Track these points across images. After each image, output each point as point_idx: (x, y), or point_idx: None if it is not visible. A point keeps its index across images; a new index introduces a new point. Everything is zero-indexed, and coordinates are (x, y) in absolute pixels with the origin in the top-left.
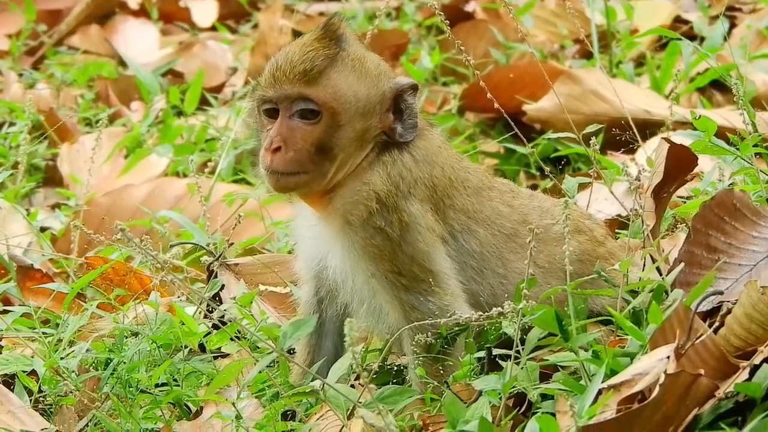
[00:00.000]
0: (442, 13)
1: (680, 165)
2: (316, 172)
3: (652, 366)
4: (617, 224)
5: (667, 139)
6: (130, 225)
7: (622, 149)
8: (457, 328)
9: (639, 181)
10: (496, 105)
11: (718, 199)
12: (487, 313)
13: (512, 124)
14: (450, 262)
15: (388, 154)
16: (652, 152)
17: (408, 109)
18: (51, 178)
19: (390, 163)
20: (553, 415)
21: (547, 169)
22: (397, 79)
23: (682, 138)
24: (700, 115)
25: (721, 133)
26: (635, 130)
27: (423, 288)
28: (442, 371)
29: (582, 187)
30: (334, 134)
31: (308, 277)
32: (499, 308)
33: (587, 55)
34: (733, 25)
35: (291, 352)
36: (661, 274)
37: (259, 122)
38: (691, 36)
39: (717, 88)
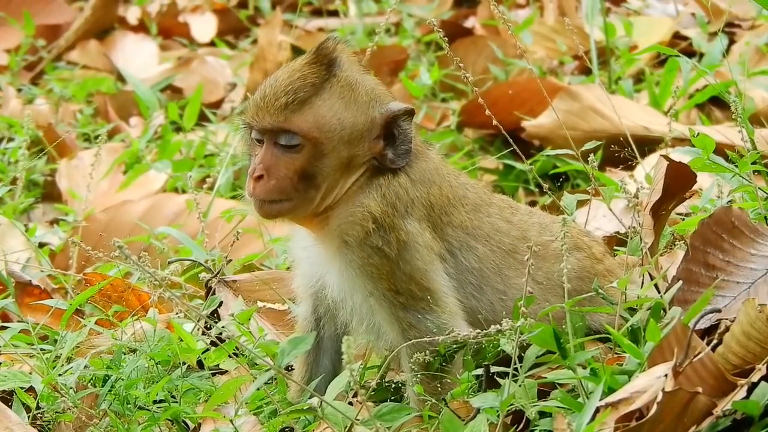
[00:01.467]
0: (440, 30)
1: (679, 182)
2: (300, 199)
3: (650, 384)
4: (615, 241)
5: (666, 157)
6: (128, 241)
7: (621, 166)
8: (455, 346)
9: (638, 198)
10: (494, 122)
11: (716, 216)
12: (485, 331)
13: (510, 140)
14: (448, 280)
15: (384, 176)
16: (650, 169)
17: (401, 134)
18: (49, 193)
19: (385, 185)
20: None
21: (545, 185)
22: (389, 105)
23: (680, 155)
24: (698, 133)
25: (720, 149)
26: (634, 147)
27: (421, 306)
28: (440, 389)
29: (581, 203)
30: (317, 163)
31: (306, 295)
32: (497, 326)
33: (586, 71)
34: (732, 42)
35: (289, 369)
36: (659, 292)
37: (248, 146)
38: (690, 52)
39: (716, 104)
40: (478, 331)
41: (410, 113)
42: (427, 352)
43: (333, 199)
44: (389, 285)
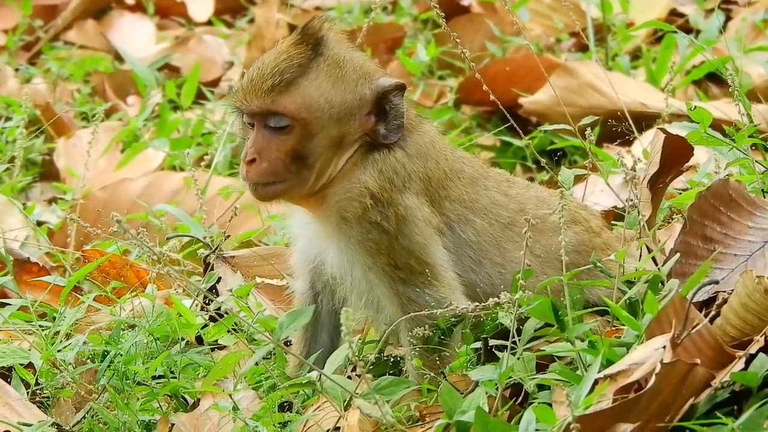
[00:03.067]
0: (437, 7)
1: (676, 155)
2: (294, 180)
3: (648, 356)
4: (613, 216)
5: (663, 130)
6: (127, 219)
7: (618, 141)
8: (453, 320)
9: (635, 171)
10: (492, 97)
11: (713, 189)
12: (483, 304)
13: (508, 116)
14: (447, 254)
15: (379, 152)
16: (648, 144)
17: (393, 109)
18: (47, 172)
19: (381, 160)
20: (550, 405)
21: (543, 160)
22: (379, 81)
23: (677, 129)
24: (695, 106)
25: (717, 125)
26: (631, 123)
27: (420, 280)
28: (438, 362)
29: (578, 179)
30: (308, 143)
31: (304, 271)
32: (496, 299)
33: (583, 48)
34: (728, 18)
35: (287, 344)
36: (656, 265)
37: (242, 130)
38: (687, 29)
39: (713, 80)
40: (477, 304)
41: (401, 88)
42: (426, 326)
43: (328, 178)
44: (388, 260)
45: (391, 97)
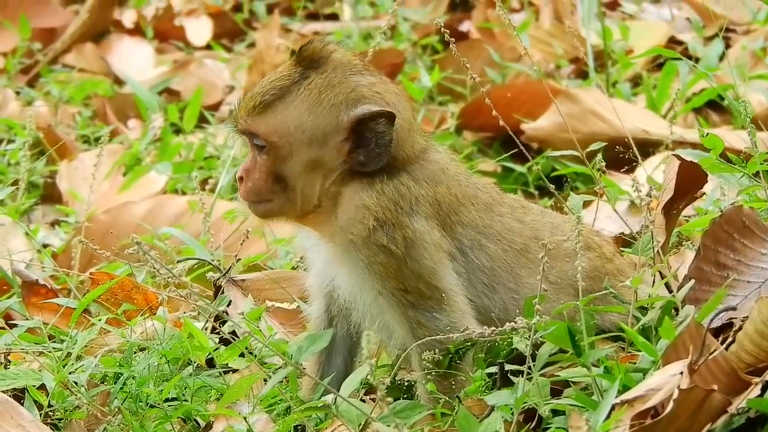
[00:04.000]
0: (447, 31)
1: (690, 182)
2: (280, 200)
3: (665, 381)
4: (620, 242)
5: (677, 156)
6: (130, 243)
7: (623, 168)
8: (467, 344)
9: (650, 197)
10: (501, 122)
11: (727, 216)
12: (499, 329)
13: (516, 139)
14: (458, 279)
15: (381, 175)
16: (652, 171)
17: (376, 137)
18: (49, 195)
19: (382, 183)
20: (565, 430)
21: (551, 186)
22: (358, 108)
23: (687, 156)
24: (707, 133)
25: (722, 154)
26: (635, 149)
27: (430, 305)
28: (453, 386)
29: (585, 204)
30: (283, 165)
31: (319, 295)
32: (511, 323)
33: (582, 75)
34: (727, 46)
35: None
36: (670, 291)
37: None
38: (686, 57)
39: (713, 108)
40: (493, 328)
41: (385, 116)
42: (437, 350)
43: (318, 200)
44: (397, 283)
45: (373, 124)
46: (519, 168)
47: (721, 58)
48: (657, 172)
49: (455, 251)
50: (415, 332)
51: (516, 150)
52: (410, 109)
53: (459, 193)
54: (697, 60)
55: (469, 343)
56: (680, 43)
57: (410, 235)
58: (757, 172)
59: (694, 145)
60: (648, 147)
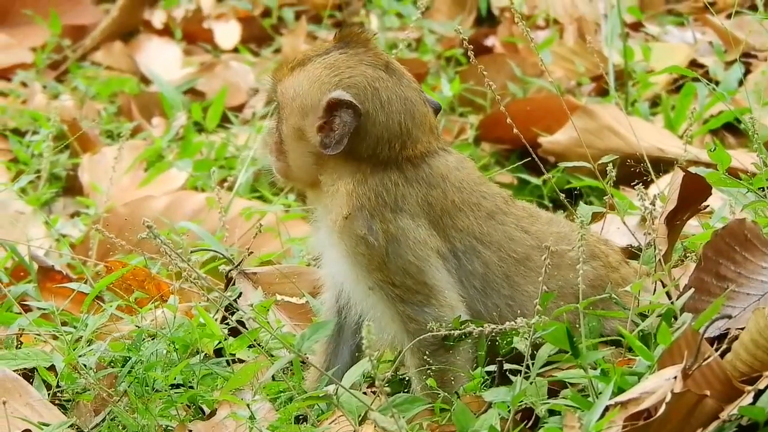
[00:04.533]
0: (470, 45)
1: (694, 194)
2: (285, 162)
3: (659, 385)
4: (628, 254)
5: (682, 168)
6: (148, 235)
7: (636, 181)
8: (461, 336)
9: (654, 206)
10: (515, 131)
11: (729, 228)
12: (499, 326)
13: (531, 152)
14: (448, 275)
15: (369, 166)
16: (665, 187)
17: (340, 124)
18: (71, 187)
19: (367, 174)
20: (560, 429)
21: (562, 195)
22: (334, 92)
23: (696, 172)
24: (715, 147)
25: (733, 173)
26: (649, 166)
27: (418, 299)
28: (453, 382)
29: (596, 217)
30: (282, 126)
31: (330, 284)
32: (512, 323)
33: (603, 93)
34: (748, 71)
35: (303, 363)
36: (670, 299)
37: None
38: (706, 80)
39: (730, 130)
40: (493, 326)
41: (350, 106)
42: (430, 344)
43: (313, 175)
44: (384, 277)
45: (342, 111)
46: (534, 180)
47: (741, 82)
48: (668, 189)
49: (447, 252)
50: (406, 326)
51: (530, 159)
52: (414, 115)
53: (457, 198)
54: (717, 83)
55: (464, 336)
56: (701, 66)
57: (392, 230)
58: (763, 189)
59: (707, 165)
60: (663, 165)
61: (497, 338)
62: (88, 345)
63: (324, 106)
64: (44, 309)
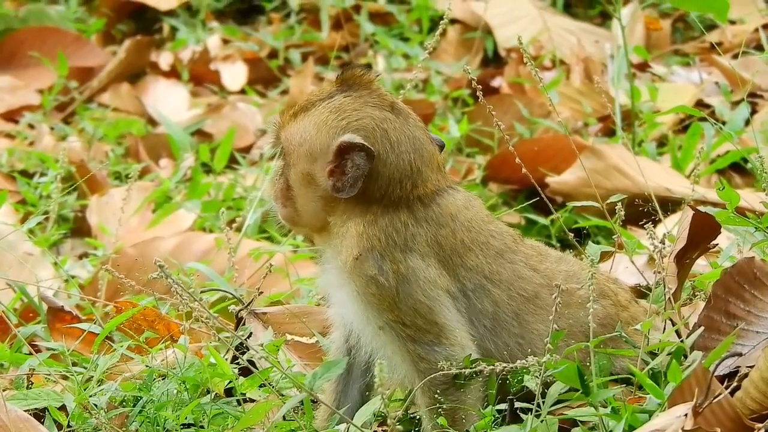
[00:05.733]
0: (479, 85)
1: (704, 232)
2: (293, 208)
3: (669, 423)
4: (637, 294)
5: (692, 206)
6: (159, 274)
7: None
8: (473, 376)
9: (664, 245)
10: (523, 170)
11: (738, 267)
12: (510, 365)
13: (540, 191)
14: (458, 315)
15: (379, 208)
16: (673, 226)
17: (352, 167)
18: (79, 229)
19: (377, 215)
20: None
21: (571, 235)
22: (344, 136)
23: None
24: (724, 186)
25: (741, 212)
26: (657, 205)
27: (429, 339)
28: (464, 420)
29: (604, 256)
30: (289, 172)
31: (339, 324)
32: (523, 361)
33: (610, 133)
34: (754, 111)
35: (314, 402)
36: (680, 338)
37: None
38: (713, 120)
39: (736, 170)
40: (504, 365)
41: (363, 149)
42: (441, 383)
43: (322, 219)
44: (394, 317)
45: (353, 154)
46: (542, 220)
47: (747, 122)
48: (677, 228)
49: (456, 291)
50: (417, 365)
51: (538, 199)
52: (422, 154)
53: (467, 238)
54: (723, 123)
55: (475, 375)
56: (708, 106)
57: (403, 270)
58: None
59: (715, 205)
60: (671, 205)
61: (508, 377)
62: (99, 385)
63: (334, 150)
64: (54, 349)
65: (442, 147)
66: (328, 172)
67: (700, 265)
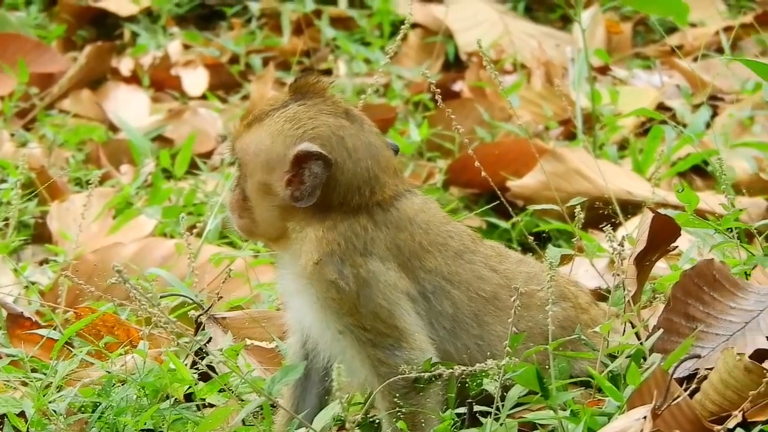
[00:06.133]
0: (438, 89)
1: (664, 235)
2: (250, 219)
3: (628, 425)
4: (597, 297)
5: (652, 209)
6: (118, 281)
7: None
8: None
9: (623, 247)
10: (483, 173)
11: (698, 269)
12: (469, 368)
13: (500, 195)
14: (418, 319)
15: (337, 214)
16: (633, 229)
17: (310, 176)
18: (39, 235)
19: (336, 220)
20: None
21: (531, 238)
22: (301, 144)
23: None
24: (683, 188)
25: (701, 214)
26: (617, 208)
27: (389, 342)
28: (424, 425)
29: (565, 259)
30: (245, 183)
31: (296, 329)
32: (482, 364)
33: (571, 136)
34: (715, 114)
35: (273, 407)
36: (640, 340)
37: None
38: (674, 123)
39: (697, 173)
40: (464, 368)
41: (321, 158)
42: (401, 387)
43: (280, 228)
44: (355, 321)
45: (311, 163)
46: (503, 224)
47: (708, 125)
48: (637, 231)
49: (416, 294)
50: (377, 369)
51: (498, 203)
52: (379, 159)
53: (425, 240)
54: (684, 126)
55: (434, 378)
56: (669, 109)
57: (363, 274)
58: (731, 230)
59: (675, 207)
60: (632, 208)
61: (467, 380)
62: (58, 391)
63: (291, 159)
64: (13, 356)
65: (396, 151)
66: (285, 182)
67: (660, 267)
